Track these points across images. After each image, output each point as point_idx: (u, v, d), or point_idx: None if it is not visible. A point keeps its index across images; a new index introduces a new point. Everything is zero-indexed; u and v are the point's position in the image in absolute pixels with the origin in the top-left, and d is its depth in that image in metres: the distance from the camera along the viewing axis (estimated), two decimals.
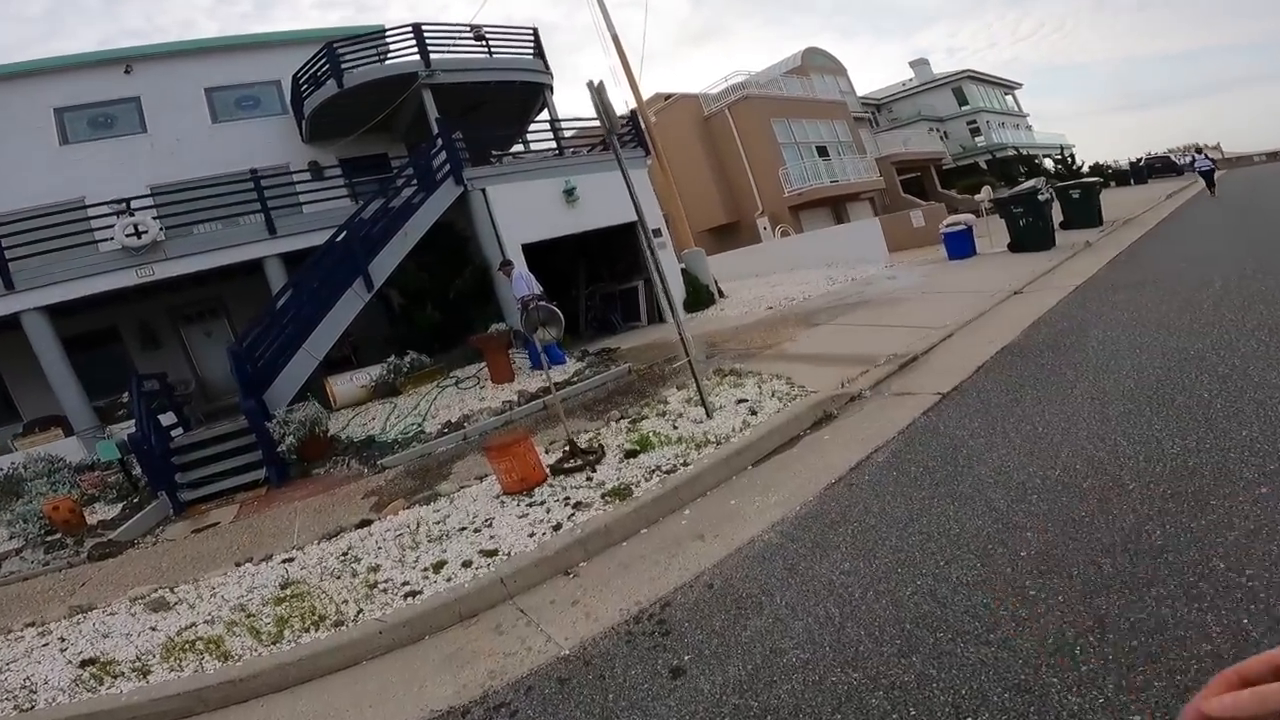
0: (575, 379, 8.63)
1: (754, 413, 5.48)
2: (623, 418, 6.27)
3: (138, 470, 8.34)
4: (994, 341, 6.57)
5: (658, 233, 13.64)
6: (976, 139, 38.79)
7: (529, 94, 14.84)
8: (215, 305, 14.65)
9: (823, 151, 27.05)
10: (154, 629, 4.33)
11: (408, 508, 5.39)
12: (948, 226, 13.43)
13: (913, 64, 41.75)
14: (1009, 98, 44.83)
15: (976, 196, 14.97)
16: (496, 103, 14.49)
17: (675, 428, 5.53)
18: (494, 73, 13.81)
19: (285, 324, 9.89)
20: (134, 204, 11.03)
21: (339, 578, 4.38)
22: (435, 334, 11.92)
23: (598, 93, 5.82)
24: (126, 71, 14.50)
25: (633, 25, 79.29)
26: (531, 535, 4.24)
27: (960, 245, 13.20)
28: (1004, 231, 13.29)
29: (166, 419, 10.12)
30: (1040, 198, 12.21)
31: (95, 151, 13.91)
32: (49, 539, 6.94)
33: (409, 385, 9.73)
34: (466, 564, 4.08)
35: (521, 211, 11.77)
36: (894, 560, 3.13)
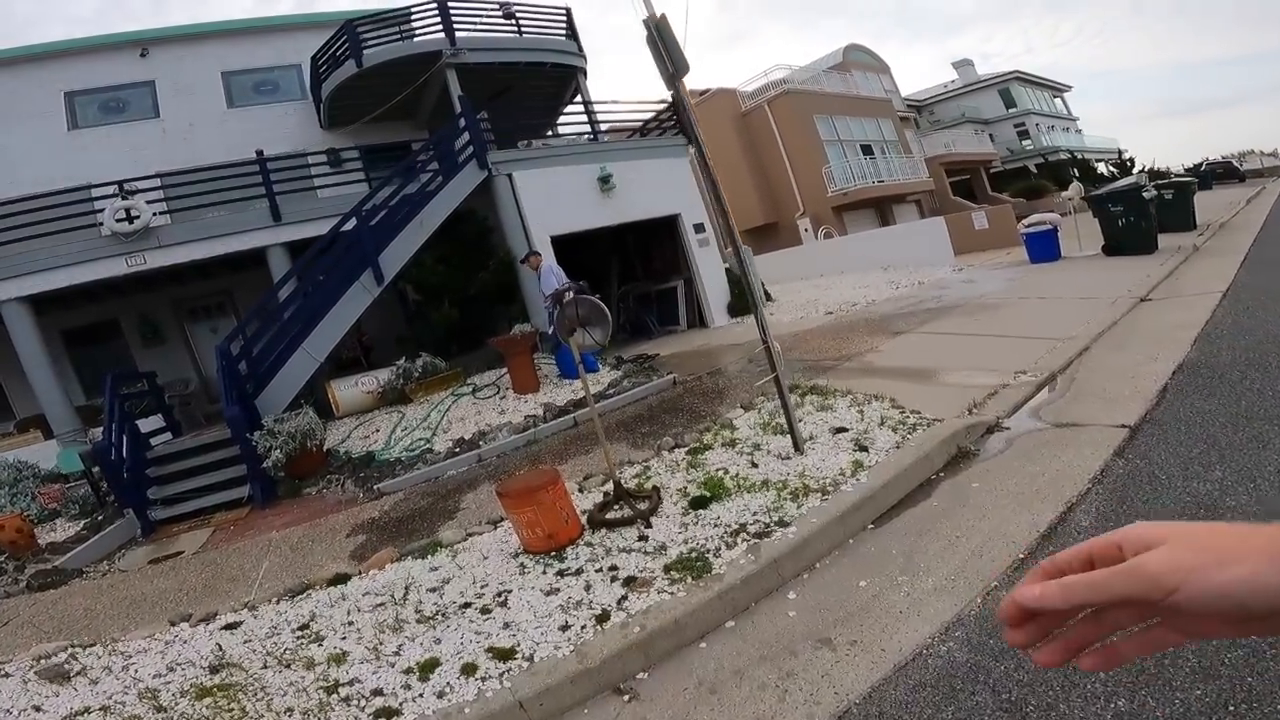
0: (611, 391, 7.30)
1: (862, 448, 4.08)
2: (677, 445, 4.90)
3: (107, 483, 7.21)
4: (1159, 358, 5.08)
5: (700, 228, 12.30)
6: (1024, 142, 36.87)
7: (560, 78, 13.62)
8: (222, 300, 13.64)
9: (867, 150, 25.54)
10: (38, 709, 3.12)
11: (397, 560, 4.09)
12: (1030, 226, 11.87)
13: (956, 65, 39.94)
14: (1058, 100, 42.70)
15: (1064, 194, 13.42)
16: (525, 87, 13.28)
17: (754, 465, 4.15)
18: (523, 53, 12.60)
19: (284, 320, 8.74)
20: (129, 187, 10.00)
21: (289, 666, 3.09)
22: (452, 334, 10.70)
23: (657, 29, 4.51)
24: (142, 55, 13.64)
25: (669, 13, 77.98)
26: (565, 628, 2.90)
27: (1045, 247, 11.63)
28: (1092, 233, 11.74)
29: (153, 423, 9.02)
30: (1145, 195, 10.61)
31: (104, 137, 13.04)
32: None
33: (420, 392, 8.50)
34: (469, 669, 2.76)
35: (551, 200, 10.52)
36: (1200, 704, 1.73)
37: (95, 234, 9.50)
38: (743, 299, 12.23)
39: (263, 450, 6.56)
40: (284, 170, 10.44)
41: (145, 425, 8.67)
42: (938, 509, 3.52)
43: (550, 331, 7.93)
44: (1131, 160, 34.40)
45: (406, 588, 3.68)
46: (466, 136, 10.02)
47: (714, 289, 12.13)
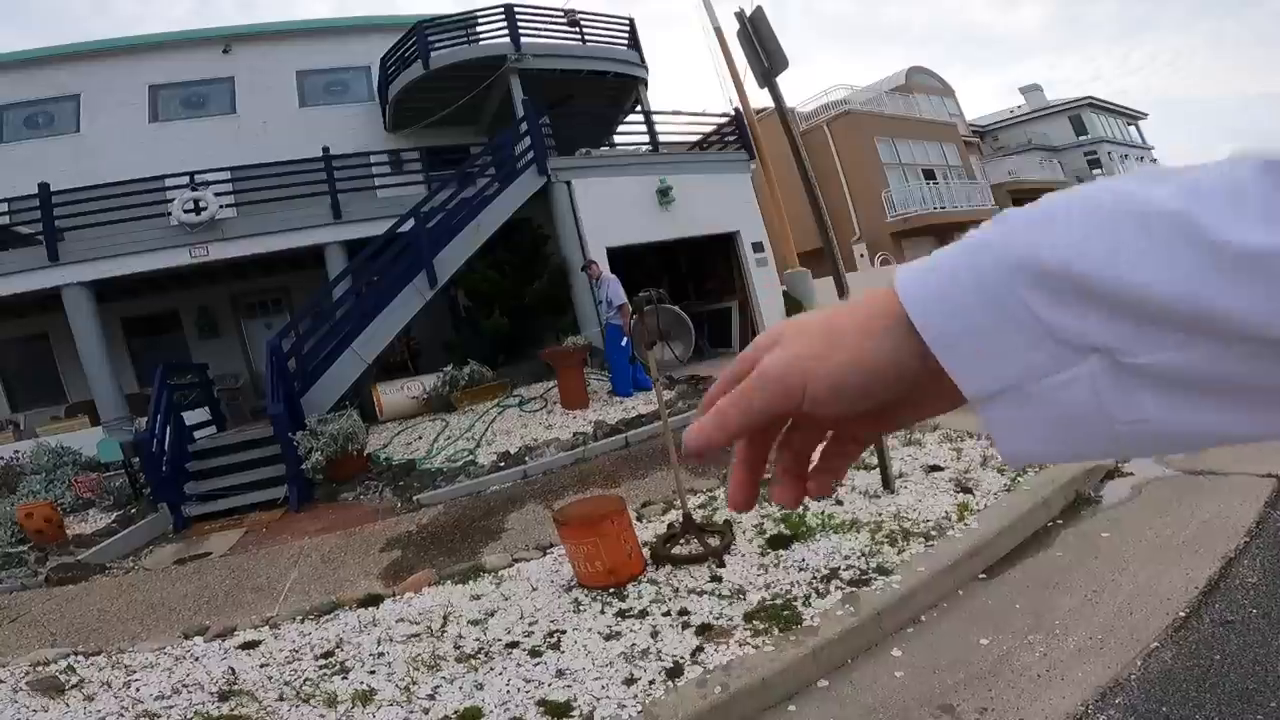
0: (665, 407, 6.88)
1: (965, 489, 3.57)
2: None
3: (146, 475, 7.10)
4: None
5: (758, 247, 11.85)
6: (1095, 171, 35.30)
7: (621, 88, 13.45)
8: (279, 296, 13.76)
9: (929, 175, 24.71)
10: None
11: (436, 583, 3.73)
12: None
13: (1024, 90, 38.66)
14: (1132, 128, 40.91)
15: None
16: (586, 95, 13.14)
17: (839, 502, 3.67)
18: (586, 61, 12.47)
19: (336, 318, 8.63)
20: (199, 179, 10.14)
21: (308, 701, 2.74)
22: (501, 344, 10.45)
23: (752, 22, 4.14)
24: (225, 51, 14.05)
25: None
26: (631, 681, 2.47)
27: None
28: None
29: (199, 415, 9.00)
30: None
31: (183, 130, 13.42)
32: (16, 550, 5.68)
33: (465, 400, 8.23)
34: None
35: (609, 211, 10.24)
36: None
37: (163, 224, 9.59)
38: None
39: (304, 451, 6.35)
40: (347, 169, 10.44)
41: (192, 417, 8.66)
42: (1063, 560, 3.00)
43: (624, 343, 7.59)
44: None
45: (445, 617, 3.31)
46: (527, 141, 9.84)
47: (770, 312, 11.62)
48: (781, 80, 3.99)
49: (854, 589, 2.80)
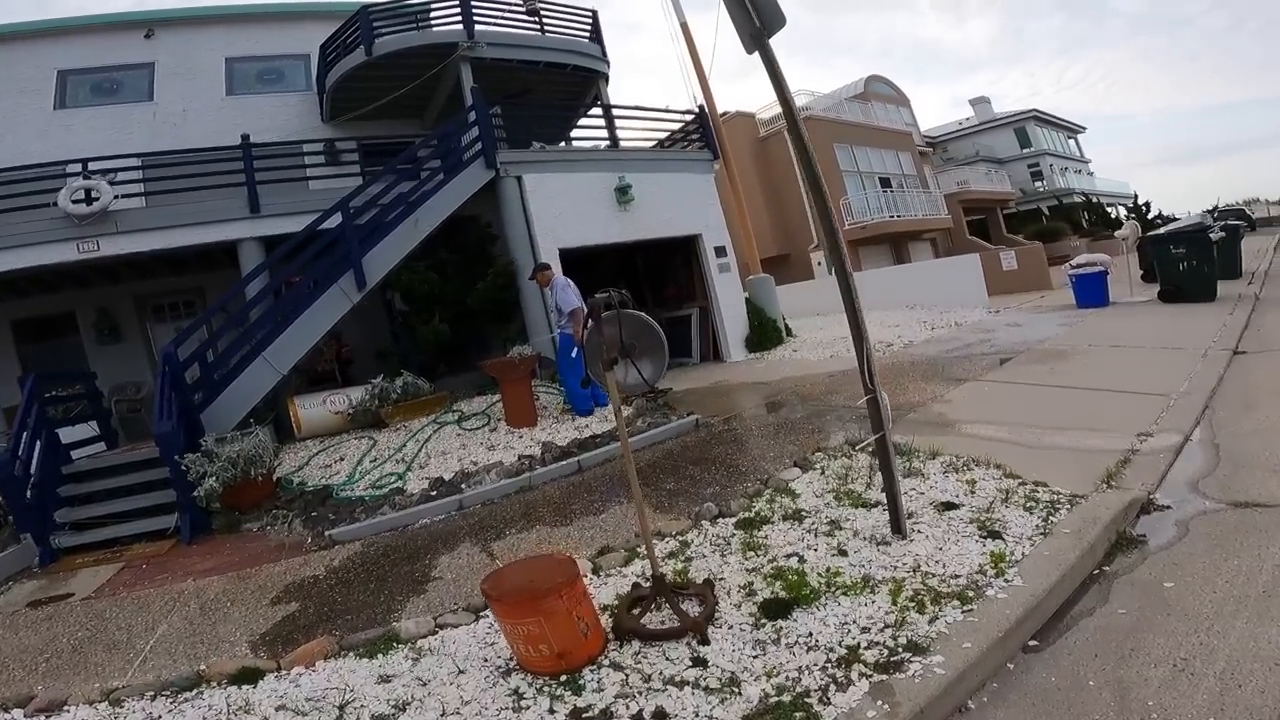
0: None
1: (992, 532, 2.96)
2: (721, 514, 3.74)
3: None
4: None
5: (721, 251, 11.28)
6: (1037, 183, 36.51)
7: (582, 83, 12.71)
8: (192, 298, 12.45)
9: (885, 183, 24.88)
10: None
11: (336, 656, 2.90)
12: (1078, 268, 10.93)
13: (973, 102, 39.80)
14: (1072, 141, 42.56)
15: (1119, 233, 12.57)
16: (544, 89, 12.37)
17: (842, 552, 3.01)
18: (545, 52, 11.68)
19: (249, 323, 7.61)
20: (95, 167, 8.94)
21: None
22: (441, 352, 9.54)
23: None
24: (148, 36, 12.79)
25: (698, 44, 78.47)
26: None
27: (1094, 291, 10.68)
28: (1137, 277, 10.83)
29: (83, 431, 7.79)
30: (1212, 236, 9.71)
31: (92, 118, 12.08)
32: None
33: (397, 416, 7.33)
34: None
35: (563, 209, 9.49)
36: None
37: (51, 214, 8.35)
38: (764, 333, 11.15)
39: (194, 476, 5.36)
40: (270, 159, 9.39)
41: (75, 434, 7.50)
42: (1128, 619, 2.43)
43: (574, 354, 6.81)
44: (1147, 204, 34.08)
45: (342, 708, 2.50)
46: (475, 132, 9.00)
47: (733, 320, 11.05)
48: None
49: (883, 676, 2.13)
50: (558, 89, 12.56)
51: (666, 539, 3.48)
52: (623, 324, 2.76)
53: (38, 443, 6.10)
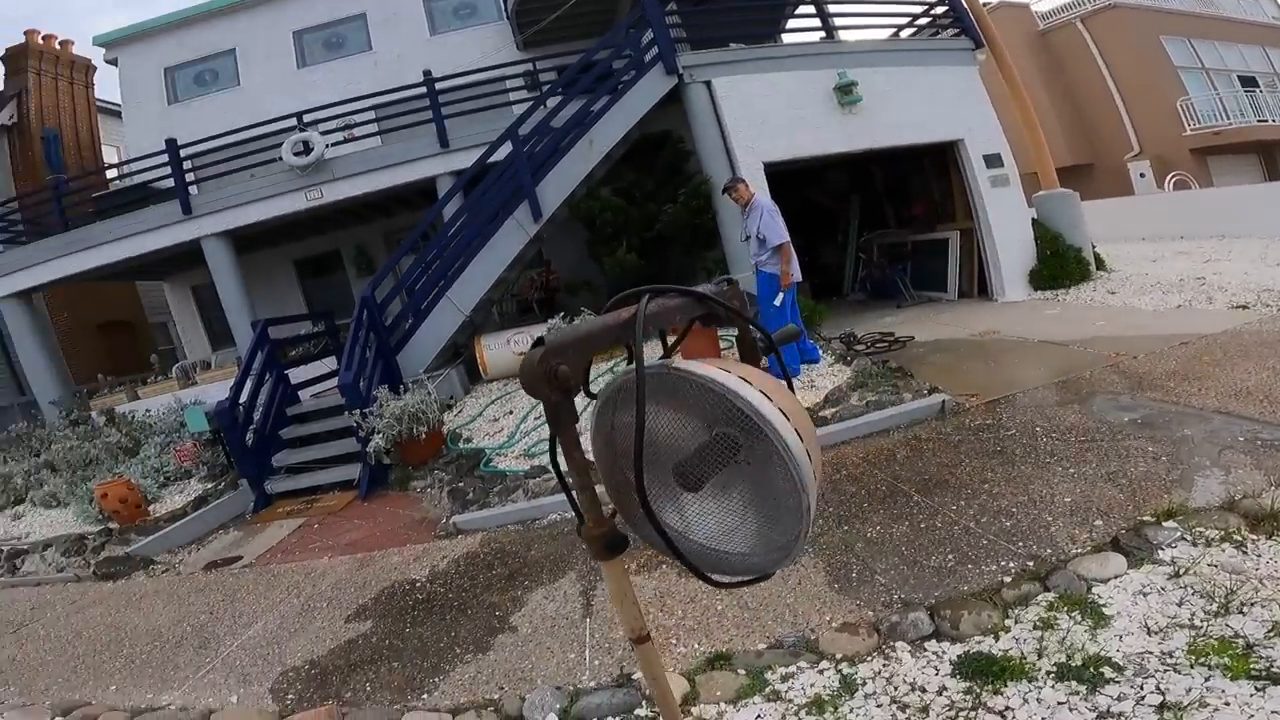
0: (826, 405, 4.75)
1: None
2: (936, 632, 2.24)
3: None
4: None
5: (994, 160, 8.50)
6: None
7: None
8: (427, 230, 13.43)
9: (1248, 83, 18.45)
10: None
11: None
12: None
13: None
14: None
15: None
16: None
17: None
18: None
19: (430, 262, 7.56)
20: (308, 119, 9.62)
21: None
22: (631, 285, 8.76)
23: None
24: None
25: None
26: None
27: None
28: None
29: (325, 366, 8.46)
30: None
31: (327, 72, 13.25)
32: (97, 530, 5.39)
33: None
34: None
35: (766, 116, 7.81)
36: None
37: (280, 168, 9.15)
38: (1060, 264, 8.23)
39: (365, 432, 5.31)
40: (453, 91, 9.19)
41: (313, 371, 8.10)
42: None
43: (779, 301, 5.56)
44: None
45: None
46: (650, 34, 7.70)
47: (1011, 246, 8.37)
48: None
49: None
50: None
51: (820, 665, 2.19)
52: (668, 410, 0.97)
53: (261, 388, 6.61)
